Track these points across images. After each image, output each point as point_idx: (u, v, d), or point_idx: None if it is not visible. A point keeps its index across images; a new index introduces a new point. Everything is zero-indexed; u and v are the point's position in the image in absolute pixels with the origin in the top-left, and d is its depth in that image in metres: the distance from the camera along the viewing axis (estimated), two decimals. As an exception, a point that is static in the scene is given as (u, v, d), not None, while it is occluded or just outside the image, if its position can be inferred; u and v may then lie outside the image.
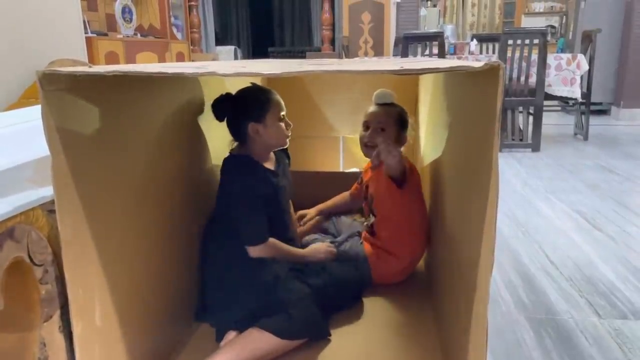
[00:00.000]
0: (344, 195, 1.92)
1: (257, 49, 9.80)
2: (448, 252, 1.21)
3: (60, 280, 0.86)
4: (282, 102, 1.43)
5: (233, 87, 1.45)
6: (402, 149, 1.62)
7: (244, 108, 1.40)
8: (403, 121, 1.60)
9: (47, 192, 0.84)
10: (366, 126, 1.60)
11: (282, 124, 1.42)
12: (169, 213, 1.25)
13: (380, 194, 1.57)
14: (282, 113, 1.42)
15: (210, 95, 1.42)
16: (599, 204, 2.57)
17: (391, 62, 1.02)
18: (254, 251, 1.35)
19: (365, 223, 1.66)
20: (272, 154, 1.49)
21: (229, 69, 0.80)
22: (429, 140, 1.68)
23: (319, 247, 1.56)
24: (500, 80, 0.70)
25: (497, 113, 0.72)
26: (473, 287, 0.83)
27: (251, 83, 1.47)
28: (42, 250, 0.83)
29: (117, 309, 0.99)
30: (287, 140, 1.46)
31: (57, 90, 0.82)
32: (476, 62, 0.73)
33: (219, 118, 1.41)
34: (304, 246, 1.60)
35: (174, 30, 4.87)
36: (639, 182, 2.99)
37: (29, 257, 0.80)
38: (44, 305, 0.84)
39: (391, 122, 1.57)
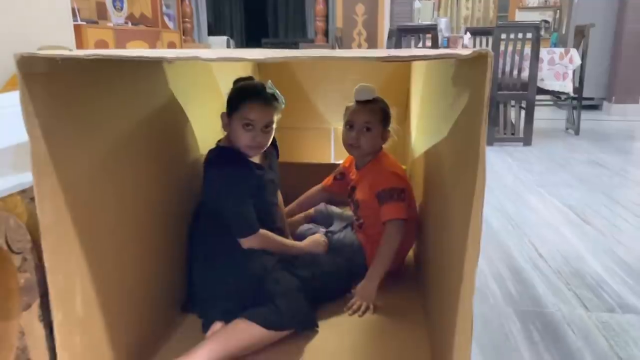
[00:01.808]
0: (313, 193, 1.86)
1: (251, 40, 9.74)
2: (436, 243, 1.21)
3: (40, 268, 0.84)
4: (260, 113, 1.34)
5: (222, 77, 1.43)
6: (385, 144, 1.60)
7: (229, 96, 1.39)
8: (387, 117, 1.55)
9: (25, 178, 0.82)
10: (349, 125, 1.53)
11: (247, 133, 1.35)
12: (155, 200, 1.23)
13: (367, 209, 1.55)
14: (246, 122, 1.34)
15: (198, 82, 1.40)
16: (589, 198, 2.58)
17: (379, 51, 1.00)
18: (246, 242, 1.34)
19: (354, 220, 1.65)
20: None
21: (211, 54, 0.78)
22: (420, 130, 1.67)
23: (316, 239, 1.55)
24: (489, 67, 0.69)
25: (485, 101, 0.71)
26: (459, 277, 0.82)
27: (269, 81, 1.41)
28: (20, 237, 0.81)
29: (99, 297, 0.97)
30: (250, 149, 1.38)
31: (37, 74, 0.80)
32: (465, 50, 0.72)
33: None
34: (298, 237, 1.59)
35: (166, 19, 4.82)
36: (629, 177, 3.01)
37: (7, 244, 0.78)
38: (23, 293, 0.82)
39: (376, 121, 1.51)
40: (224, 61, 0.67)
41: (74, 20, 2.90)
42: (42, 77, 0.80)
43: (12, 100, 0.90)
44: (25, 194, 0.84)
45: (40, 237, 0.81)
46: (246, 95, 1.36)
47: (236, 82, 1.43)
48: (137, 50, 0.91)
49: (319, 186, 1.87)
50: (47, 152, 0.81)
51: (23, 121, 0.77)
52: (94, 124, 0.96)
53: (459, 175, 0.92)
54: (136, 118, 1.14)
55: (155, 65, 1.25)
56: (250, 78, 1.45)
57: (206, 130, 1.50)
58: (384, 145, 1.59)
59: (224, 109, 1.40)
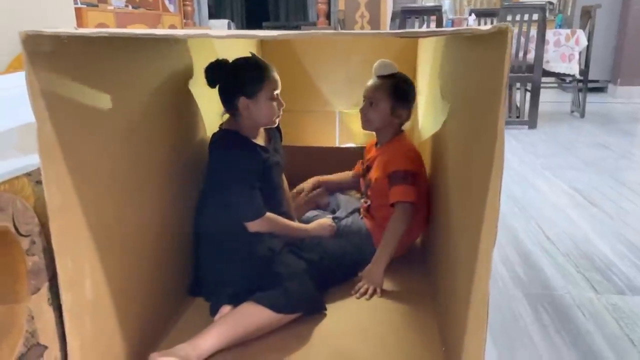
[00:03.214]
0: (347, 174, 1.85)
1: (251, 23, 9.64)
2: (448, 226, 1.19)
3: (48, 251, 0.83)
4: (279, 80, 1.38)
5: (226, 56, 1.40)
6: (406, 125, 1.59)
7: (238, 80, 1.34)
8: (400, 93, 1.53)
9: (32, 160, 0.81)
10: (363, 99, 1.57)
11: (274, 103, 1.37)
12: (162, 182, 1.22)
13: (377, 190, 1.54)
14: (276, 92, 1.37)
15: (202, 64, 1.37)
16: (595, 180, 2.56)
17: (393, 32, 0.98)
18: (253, 226, 1.33)
19: (363, 201, 1.64)
20: (262, 130, 1.46)
21: (223, 32, 0.76)
22: (429, 111, 1.64)
23: (323, 222, 1.54)
24: (509, 44, 0.67)
25: (505, 79, 0.69)
26: (474, 261, 0.81)
27: (250, 53, 1.42)
28: (28, 220, 0.79)
29: (108, 281, 0.96)
30: (277, 120, 1.41)
31: (42, 53, 0.78)
32: (483, 26, 0.70)
33: (211, 84, 1.37)
34: (303, 222, 1.57)
35: (166, 2, 4.76)
36: (635, 159, 2.98)
37: (15, 227, 0.77)
38: (32, 277, 0.81)
39: (382, 96, 1.52)
40: (234, 38, 0.66)
41: (74, 4, 2.86)
42: (47, 57, 0.78)
43: (18, 81, 0.88)
44: (32, 176, 0.82)
45: (48, 220, 0.80)
46: (265, 70, 1.35)
47: (225, 65, 1.36)
48: (146, 30, 0.89)
49: (350, 172, 1.85)
50: (54, 134, 0.79)
51: (29, 102, 0.75)
52: (100, 105, 0.94)
53: (474, 156, 0.90)
54: (142, 100, 1.12)
55: (161, 45, 1.22)
56: (225, 61, 1.38)
57: (211, 112, 1.48)
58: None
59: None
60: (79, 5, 3.26)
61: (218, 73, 1.35)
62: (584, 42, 3.90)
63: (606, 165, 2.85)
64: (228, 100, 1.37)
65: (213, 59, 1.36)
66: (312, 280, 1.28)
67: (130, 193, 1.06)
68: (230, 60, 1.37)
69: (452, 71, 1.24)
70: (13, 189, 0.77)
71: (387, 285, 1.41)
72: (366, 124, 1.57)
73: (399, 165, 1.47)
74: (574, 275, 1.58)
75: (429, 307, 1.30)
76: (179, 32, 0.82)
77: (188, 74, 1.39)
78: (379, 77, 1.54)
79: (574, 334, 1.28)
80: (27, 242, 0.79)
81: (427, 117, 1.67)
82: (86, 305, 0.90)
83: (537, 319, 1.35)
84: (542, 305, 1.41)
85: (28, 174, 0.82)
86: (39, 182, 0.82)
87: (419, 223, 1.54)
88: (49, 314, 0.85)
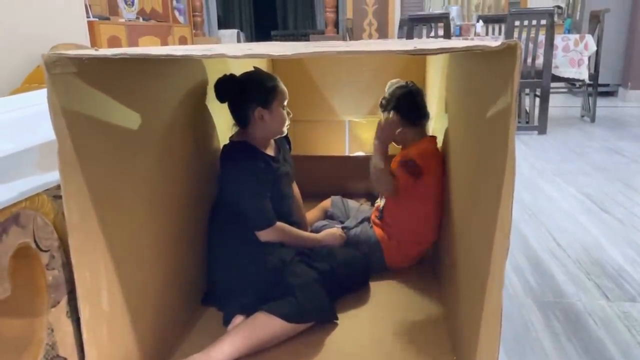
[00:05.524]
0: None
1: (260, 32, 9.72)
2: (460, 237, 1.20)
3: (67, 266, 0.85)
4: (286, 90, 1.43)
5: (236, 70, 1.43)
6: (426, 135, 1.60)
7: (251, 92, 1.38)
8: (402, 106, 1.54)
9: (52, 177, 0.83)
10: None
11: (284, 113, 1.43)
12: (177, 196, 1.24)
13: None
14: (286, 102, 1.42)
15: (214, 79, 1.40)
16: (606, 186, 2.55)
17: (403, 43, 1.00)
18: (263, 235, 1.35)
19: (376, 204, 1.65)
20: (272, 141, 1.48)
21: (238, 51, 0.79)
22: (438, 122, 1.66)
23: (333, 232, 1.55)
24: (518, 59, 0.69)
25: (515, 93, 0.71)
26: (486, 273, 0.82)
27: (254, 67, 1.45)
28: (48, 235, 0.82)
29: (124, 293, 0.98)
30: (286, 129, 1.46)
31: (63, 73, 0.80)
32: (493, 41, 0.72)
33: (221, 99, 1.40)
34: (313, 232, 1.59)
35: (176, 13, 4.82)
36: (646, 164, 2.97)
37: (35, 242, 0.79)
38: (51, 291, 0.83)
39: (390, 118, 1.55)
40: (249, 58, 0.68)
41: (86, 17, 2.91)
42: (68, 76, 0.81)
43: (36, 100, 0.91)
44: (51, 192, 0.85)
45: (67, 235, 0.82)
46: (276, 82, 1.40)
47: (234, 79, 1.39)
48: (163, 49, 0.92)
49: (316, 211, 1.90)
50: (74, 151, 0.82)
51: (50, 121, 0.78)
52: (118, 121, 0.97)
53: (485, 167, 0.92)
54: (160, 113, 1.15)
55: (177, 62, 1.25)
56: (233, 75, 1.42)
57: (224, 124, 1.51)
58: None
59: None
60: (91, 19, 3.31)
61: (229, 87, 1.38)
62: (592, 47, 3.89)
63: (617, 170, 2.83)
64: (242, 113, 1.40)
65: (225, 72, 1.39)
66: (323, 289, 1.29)
67: (147, 207, 1.08)
68: (237, 74, 1.39)
69: (462, 84, 1.25)
70: (33, 205, 0.80)
71: (398, 295, 1.42)
72: (400, 144, 1.61)
73: (410, 156, 1.49)
74: (585, 282, 1.58)
75: (439, 317, 1.31)
76: (196, 51, 0.84)
77: (203, 88, 1.42)
78: (388, 96, 1.57)
79: (585, 342, 1.28)
80: (46, 257, 0.82)
81: (437, 127, 1.68)
82: (103, 317, 0.93)
83: (548, 326, 1.35)
84: (553, 313, 1.41)
85: (47, 190, 0.84)
86: (57, 197, 0.85)
87: (430, 232, 1.54)
88: (68, 326, 0.87)
